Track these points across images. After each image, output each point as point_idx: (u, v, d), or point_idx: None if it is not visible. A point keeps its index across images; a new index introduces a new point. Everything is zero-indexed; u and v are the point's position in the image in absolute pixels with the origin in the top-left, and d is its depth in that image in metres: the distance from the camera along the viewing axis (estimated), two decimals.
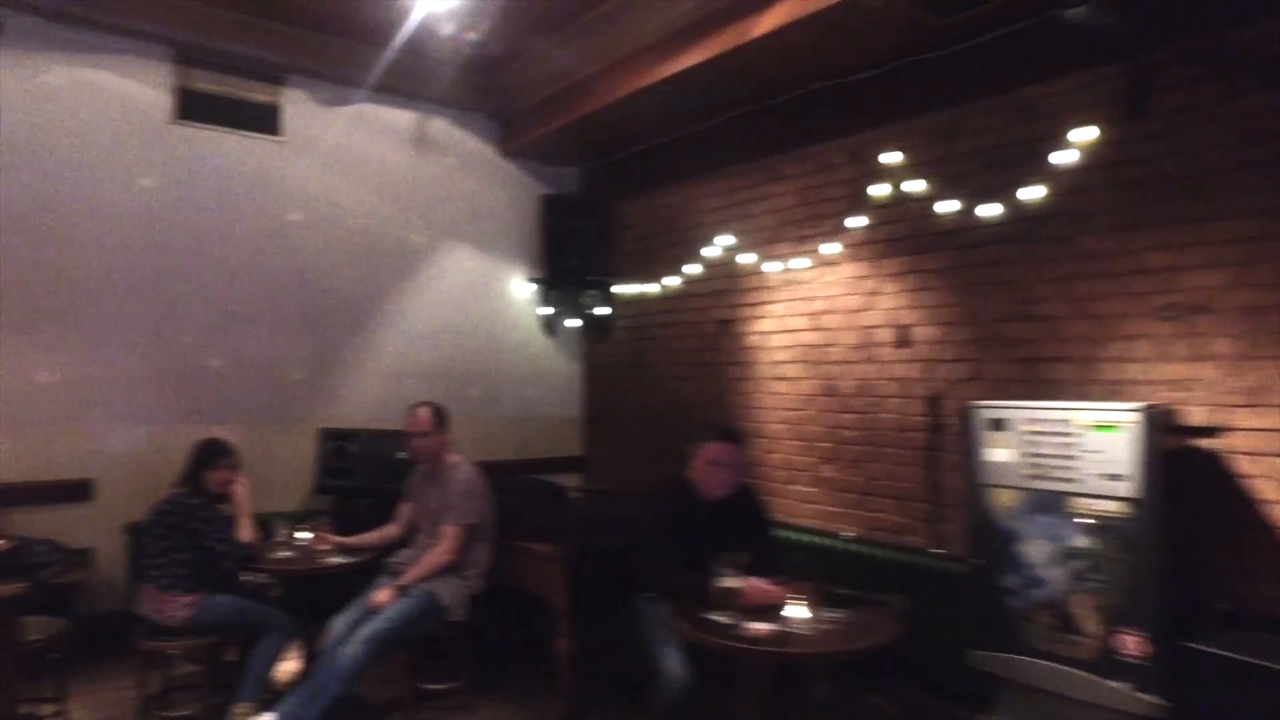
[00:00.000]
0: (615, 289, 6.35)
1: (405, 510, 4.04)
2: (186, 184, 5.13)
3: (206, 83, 5.24)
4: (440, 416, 3.87)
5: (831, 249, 4.79)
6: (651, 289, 6.06)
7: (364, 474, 5.16)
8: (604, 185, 6.49)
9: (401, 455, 5.17)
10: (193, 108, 5.18)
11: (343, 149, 5.68)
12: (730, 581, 2.83)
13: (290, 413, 5.41)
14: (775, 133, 5.14)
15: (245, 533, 3.70)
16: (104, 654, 4.28)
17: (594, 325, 6.46)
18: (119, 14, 4.84)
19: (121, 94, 4.96)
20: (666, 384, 5.98)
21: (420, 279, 5.97)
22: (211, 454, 3.72)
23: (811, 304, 4.95)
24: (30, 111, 4.71)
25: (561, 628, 3.64)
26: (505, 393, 6.22)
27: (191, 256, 5.14)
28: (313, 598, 3.90)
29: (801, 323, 5.01)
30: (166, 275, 5.06)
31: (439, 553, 3.65)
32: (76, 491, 4.81)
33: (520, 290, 6.40)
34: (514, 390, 6.28)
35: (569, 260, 6.23)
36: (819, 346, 4.90)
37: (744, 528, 3.27)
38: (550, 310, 6.42)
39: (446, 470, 3.84)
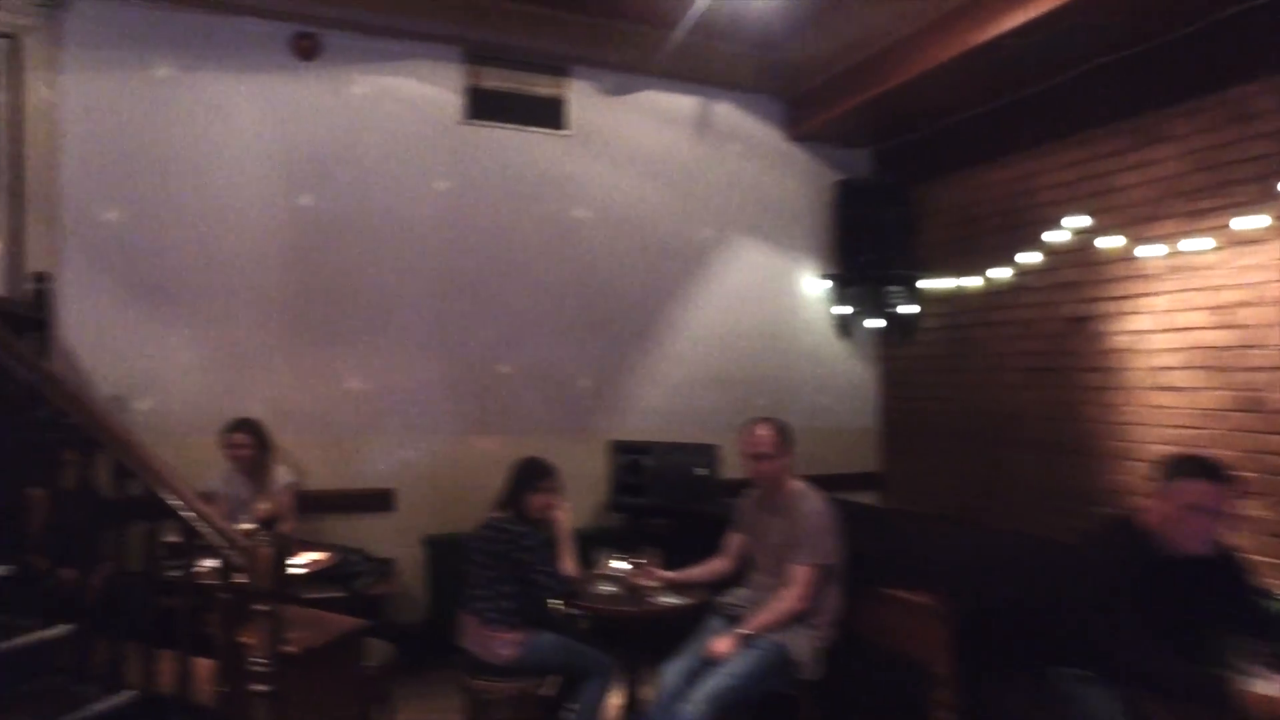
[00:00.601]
0: (923, 284, 5.54)
1: (736, 542, 3.50)
2: (476, 185, 4.96)
3: (494, 80, 5.05)
4: (785, 436, 3.29)
5: (1250, 223, 3.73)
6: (971, 283, 5.20)
7: (659, 491, 4.73)
8: (904, 167, 5.70)
9: (701, 472, 4.72)
10: (482, 106, 5.01)
11: (625, 140, 5.32)
12: (1266, 686, 2.01)
13: (578, 423, 5.10)
14: (1155, 82, 4.14)
15: (568, 564, 3.32)
16: (411, 670, 4.09)
17: (897, 325, 5.68)
18: (415, 18, 4.75)
19: (417, 98, 4.87)
20: (991, 392, 5.09)
21: (706, 277, 5.49)
22: (533, 475, 3.37)
23: (1217, 295, 3.90)
24: (340, 124, 4.71)
25: (941, 697, 2.93)
26: (795, 400, 5.59)
27: (480, 260, 4.96)
28: (631, 636, 3.45)
29: (1200, 319, 3.97)
30: (457, 280, 4.91)
31: (789, 598, 3.07)
32: (379, 501, 4.74)
33: (811, 288, 5.75)
34: (804, 398, 5.64)
35: (867, 253, 5.50)
36: (1231, 349, 3.84)
37: (1230, 598, 2.41)
38: (845, 309, 5.72)
39: (790, 499, 3.26)
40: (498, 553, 3.20)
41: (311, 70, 4.67)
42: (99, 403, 3.08)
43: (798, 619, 3.08)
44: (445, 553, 4.67)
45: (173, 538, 2.73)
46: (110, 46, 4.33)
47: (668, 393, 5.33)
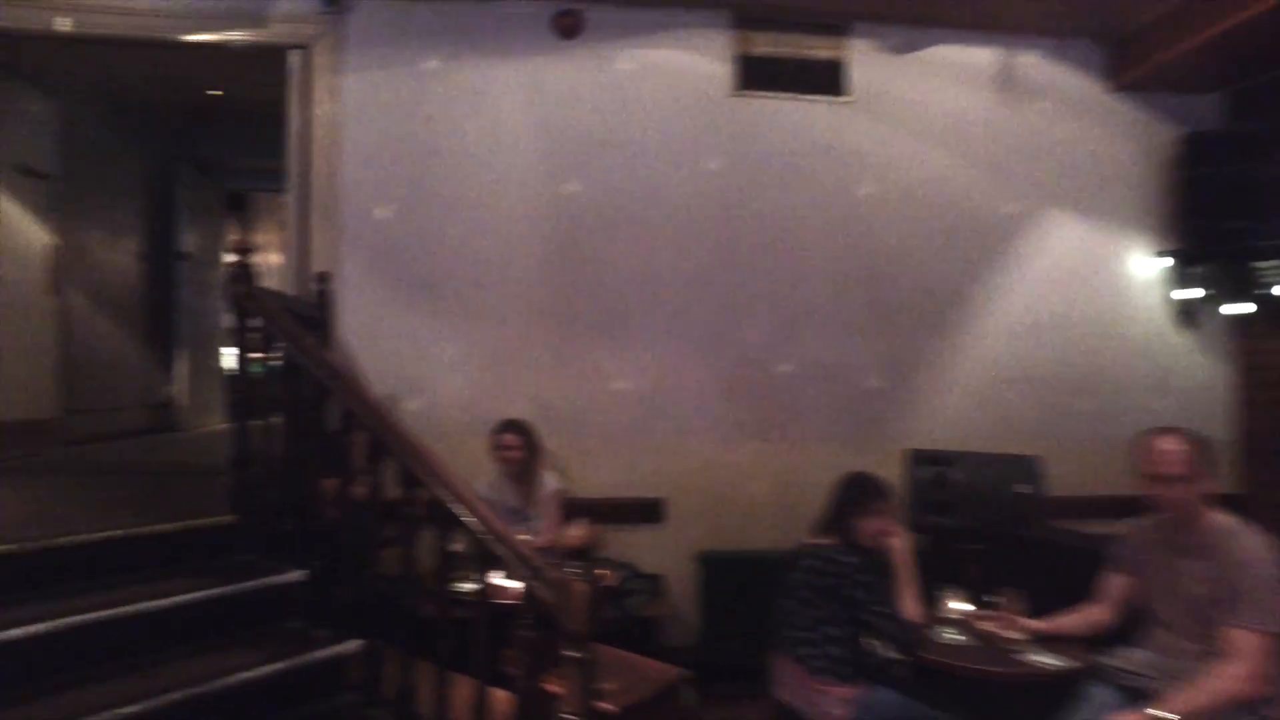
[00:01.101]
0: None
1: (1119, 585, 2.73)
2: (748, 162, 4.46)
3: (765, 45, 4.52)
4: (1202, 452, 2.49)
5: None
6: None
7: (969, 510, 3.99)
8: (1272, 111, 4.55)
9: (1022, 489, 3.95)
10: (752, 75, 4.50)
11: (915, 104, 4.61)
12: None
13: (867, 429, 4.46)
14: None
15: (909, 604, 2.71)
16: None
17: (1269, 310, 4.53)
18: None
19: (684, 70, 4.45)
20: None
21: (1013, 260, 4.65)
22: (864, 494, 2.80)
23: None
24: (604, 103, 4.40)
25: None
26: (1123, 404, 4.62)
27: (755, 245, 4.45)
28: (984, 700, 2.78)
29: None
30: (729, 267, 4.43)
31: (1231, 675, 2.27)
32: (647, 512, 4.36)
33: (1142, 268, 4.75)
34: (1134, 401, 4.64)
35: (1226, 221, 4.42)
36: None
37: None
38: (1190, 293, 4.66)
39: (1212, 536, 2.45)
40: (825, 588, 2.65)
41: (574, 49, 4.38)
42: (385, 405, 2.86)
43: (1243, 706, 2.28)
44: (720, 571, 4.23)
45: (458, 547, 2.43)
46: (384, 44, 4.26)
47: (969, 394, 4.56)
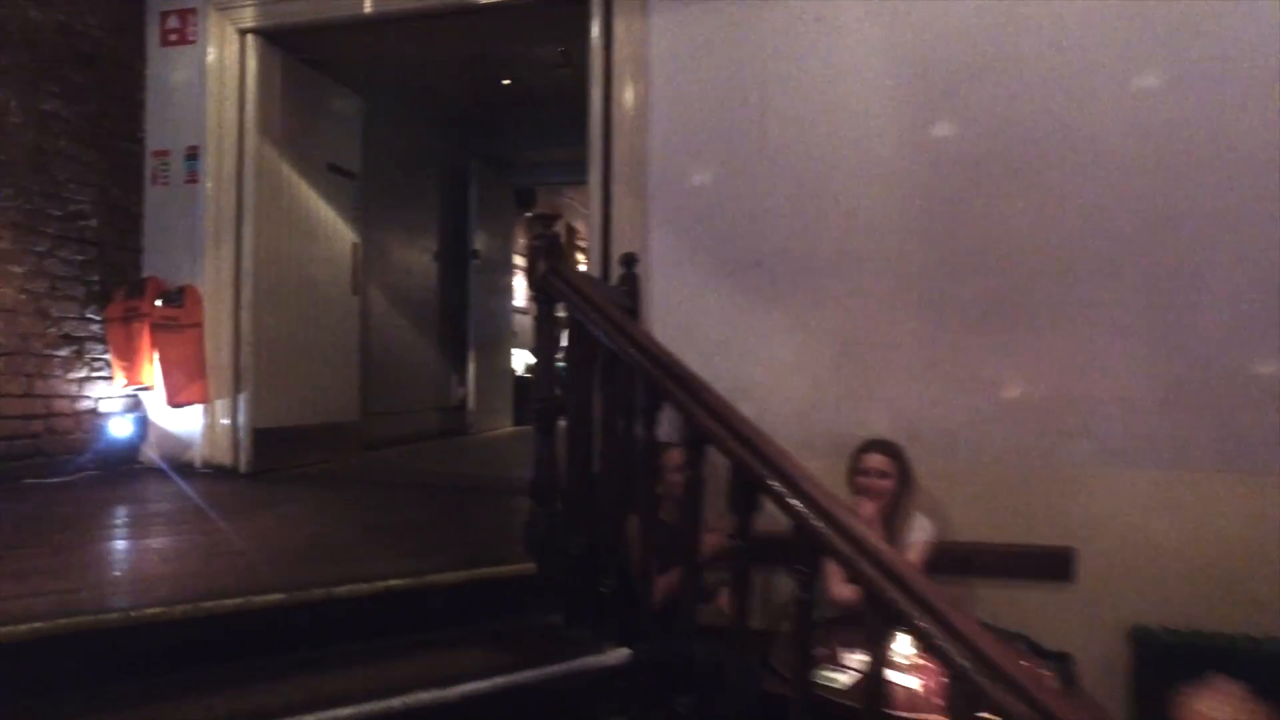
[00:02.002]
0: None
1: None
2: (1202, 77, 3.12)
3: None
4: None
5: None
6: None
7: None
8: None
9: None
10: None
11: None
12: None
13: None
14: None
15: None
16: None
17: None
18: None
19: None
20: None
21: None
22: None
23: None
24: (980, 18, 3.29)
25: None
26: None
27: (1211, 195, 3.11)
28: None
29: None
30: (1173, 228, 3.12)
31: None
32: (1052, 565, 3.18)
33: None
34: None
35: None
36: None
37: None
38: None
39: None
40: None
41: None
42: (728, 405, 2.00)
43: None
44: (1168, 657, 2.96)
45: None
46: None
47: None
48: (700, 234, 3.49)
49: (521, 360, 7.87)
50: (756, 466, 1.69)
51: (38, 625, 1.75)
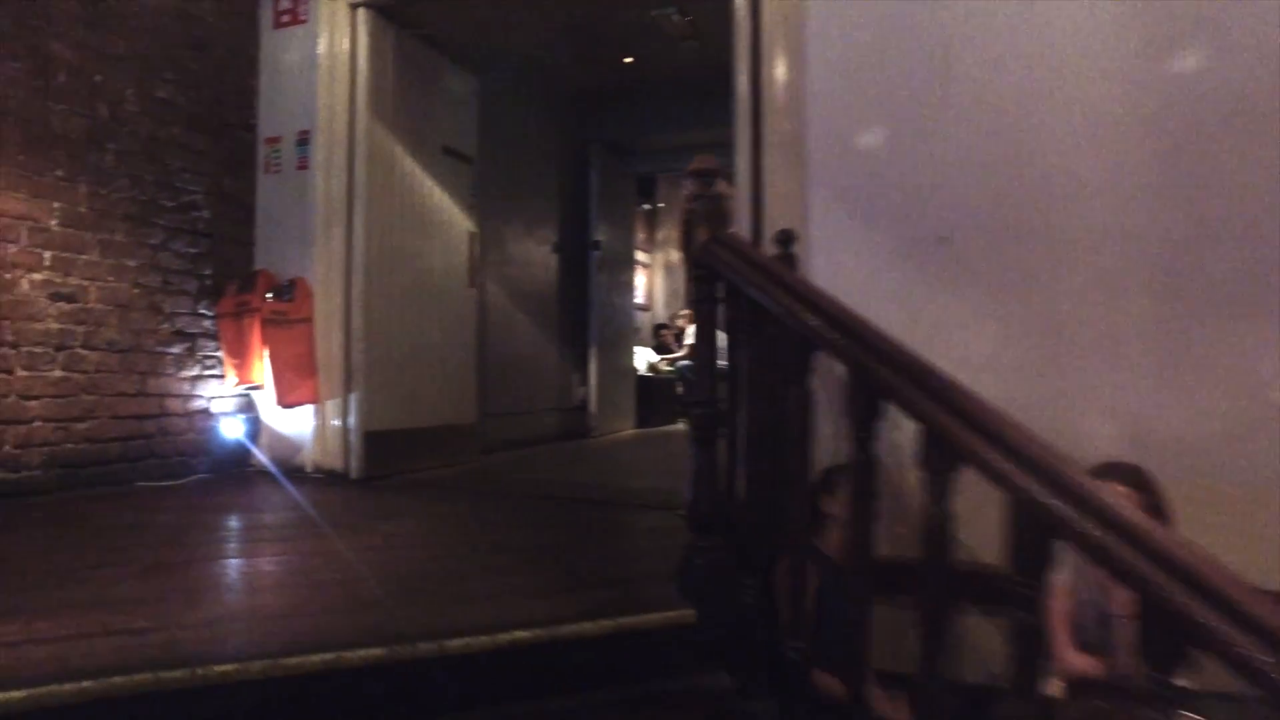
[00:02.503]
0: None
1: None
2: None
3: None
4: None
5: None
6: None
7: None
8: None
9: None
10: None
11: None
12: None
13: None
14: None
15: None
16: None
17: None
18: None
19: None
20: None
21: None
22: None
23: None
24: None
25: None
26: None
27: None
28: None
29: None
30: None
31: None
32: None
33: None
34: None
35: None
36: None
37: None
38: None
39: None
40: None
41: None
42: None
43: None
44: None
45: None
46: None
47: None
48: (871, 208, 2.92)
49: (643, 359, 7.45)
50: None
51: (86, 685, 1.40)
